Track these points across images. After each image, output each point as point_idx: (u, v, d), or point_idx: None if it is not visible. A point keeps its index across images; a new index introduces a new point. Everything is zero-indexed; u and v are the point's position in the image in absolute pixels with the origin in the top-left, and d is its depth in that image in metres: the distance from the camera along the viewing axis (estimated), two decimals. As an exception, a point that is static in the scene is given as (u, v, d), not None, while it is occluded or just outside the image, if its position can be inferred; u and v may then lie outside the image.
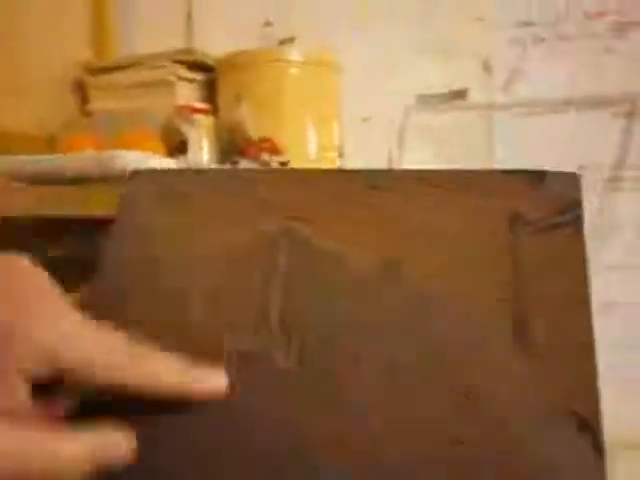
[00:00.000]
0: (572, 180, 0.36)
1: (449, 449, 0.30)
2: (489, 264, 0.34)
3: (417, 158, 1.02)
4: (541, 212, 0.34)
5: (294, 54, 0.88)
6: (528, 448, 0.29)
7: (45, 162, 0.72)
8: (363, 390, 0.32)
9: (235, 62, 0.89)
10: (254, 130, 0.87)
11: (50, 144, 1.01)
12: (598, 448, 0.28)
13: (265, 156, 0.83)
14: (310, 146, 0.91)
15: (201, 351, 0.33)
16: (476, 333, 0.32)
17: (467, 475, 0.29)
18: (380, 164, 1.03)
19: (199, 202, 0.40)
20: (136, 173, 0.42)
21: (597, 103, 0.94)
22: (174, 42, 1.06)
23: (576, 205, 0.35)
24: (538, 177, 0.36)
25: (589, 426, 0.29)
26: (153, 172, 0.43)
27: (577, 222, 0.34)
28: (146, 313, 0.36)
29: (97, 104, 1.01)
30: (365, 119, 1.06)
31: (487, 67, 1.00)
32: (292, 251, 0.36)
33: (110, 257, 0.39)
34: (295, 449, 0.31)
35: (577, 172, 0.36)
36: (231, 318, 0.35)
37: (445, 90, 1.02)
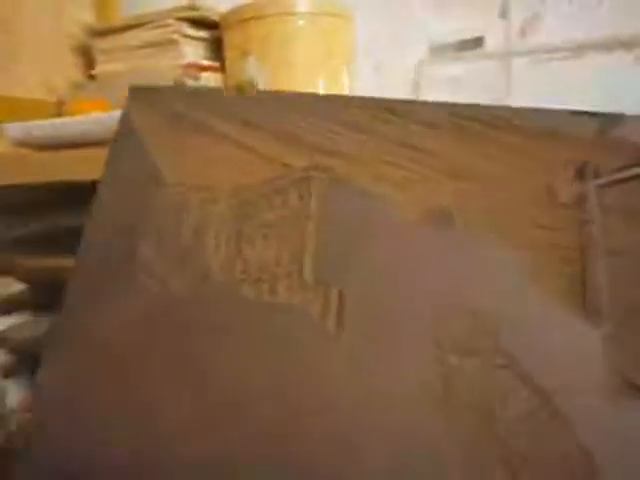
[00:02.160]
0: None
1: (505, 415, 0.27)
2: (554, 220, 0.29)
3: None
4: (612, 163, 0.30)
5: (301, 5, 0.85)
6: (589, 419, 0.26)
7: (49, 127, 0.71)
8: (405, 360, 0.28)
9: (240, 16, 0.86)
10: (263, 87, 0.85)
11: (59, 109, 0.99)
12: None
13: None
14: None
15: (219, 300, 0.31)
16: (534, 296, 0.28)
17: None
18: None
19: (213, 130, 0.35)
20: (137, 91, 0.37)
21: (620, 45, 0.90)
22: (178, -1, 1.03)
23: None
24: (611, 121, 0.31)
25: None
26: (155, 91, 0.37)
27: None
28: (155, 258, 0.33)
29: (103, 67, 0.99)
30: (377, 70, 1.02)
31: (504, 13, 0.95)
32: (325, 190, 0.32)
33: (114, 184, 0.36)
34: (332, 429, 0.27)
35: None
36: (256, 265, 0.31)
37: (460, 38, 0.98)
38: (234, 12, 0.87)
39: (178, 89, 0.43)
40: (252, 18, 0.85)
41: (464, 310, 0.28)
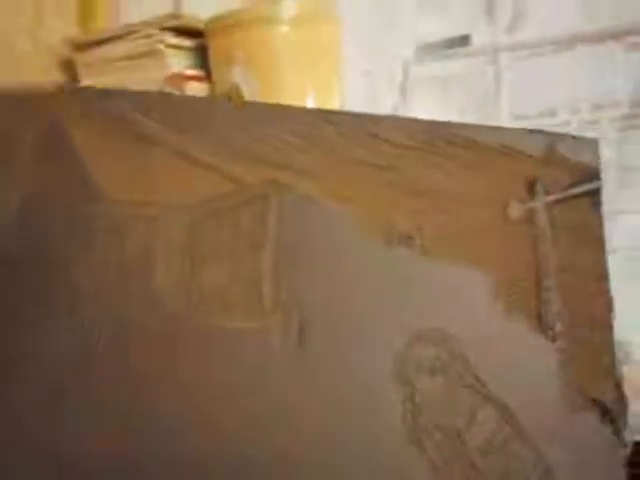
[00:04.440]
0: (591, 147, 0.34)
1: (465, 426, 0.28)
2: (508, 236, 0.31)
3: (423, 110, 0.98)
4: (560, 181, 0.32)
5: (285, 10, 0.84)
6: (548, 432, 0.27)
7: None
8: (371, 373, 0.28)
9: (224, 24, 0.85)
10: (250, 94, 0.84)
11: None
12: (618, 435, 0.28)
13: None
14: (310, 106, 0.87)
15: (173, 328, 0.29)
16: (494, 315, 0.30)
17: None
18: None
19: (155, 139, 0.31)
20: (68, 90, 0.33)
21: (609, 36, 0.89)
22: (162, 8, 1.02)
23: (595, 176, 0.33)
24: (556, 140, 0.33)
25: (610, 414, 0.28)
26: (88, 92, 0.34)
27: (595, 195, 0.32)
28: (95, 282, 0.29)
29: (87, 81, 0.97)
30: (366, 74, 1.01)
31: (490, 8, 0.95)
32: (283, 210, 0.30)
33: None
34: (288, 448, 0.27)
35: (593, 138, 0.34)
36: (210, 290, 0.29)
37: (447, 37, 0.97)
38: (218, 19, 0.86)
39: (113, 91, 0.35)
40: (236, 25, 0.84)
41: (428, 333, 0.29)
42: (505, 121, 0.95)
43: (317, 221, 0.31)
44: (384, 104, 0.99)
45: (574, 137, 0.34)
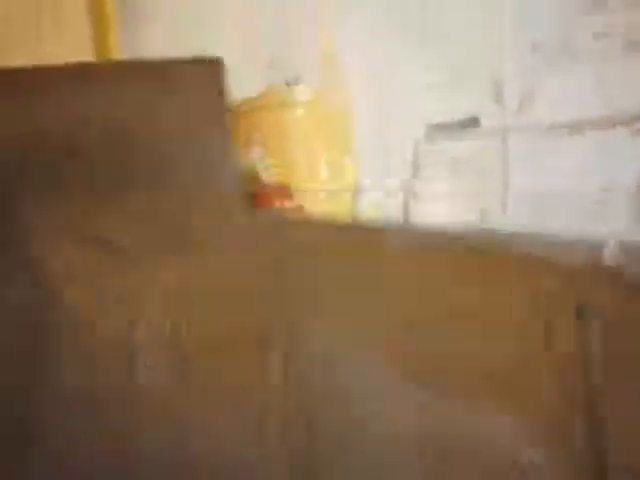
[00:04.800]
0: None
1: None
2: (556, 370, 0.25)
3: (433, 189, 1.00)
4: (611, 297, 0.25)
5: (300, 95, 0.87)
6: None
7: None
8: None
9: (241, 107, 0.88)
10: (266, 175, 0.86)
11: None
12: None
13: (278, 203, 0.82)
14: (324, 186, 0.90)
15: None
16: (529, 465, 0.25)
17: None
18: (396, 198, 1.01)
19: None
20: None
21: (615, 121, 0.92)
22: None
23: None
24: (601, 248, 0.27)
25: None
26: None
27: None
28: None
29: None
30: (378, 153, 1.04)
31: (499, 93, 0.98)
32: (290, 355, 0.27)
33: None
34: None
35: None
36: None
37: (456, 119, 1.00)
38: (237, 103, 0.90)
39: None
40: (254, 109, 0.88)
41: None
42: (514, 200, 0.96)
43: (323, 363, 0.28)
44: (395, 183, 1.01)
45: (623, 242, 0.27)
